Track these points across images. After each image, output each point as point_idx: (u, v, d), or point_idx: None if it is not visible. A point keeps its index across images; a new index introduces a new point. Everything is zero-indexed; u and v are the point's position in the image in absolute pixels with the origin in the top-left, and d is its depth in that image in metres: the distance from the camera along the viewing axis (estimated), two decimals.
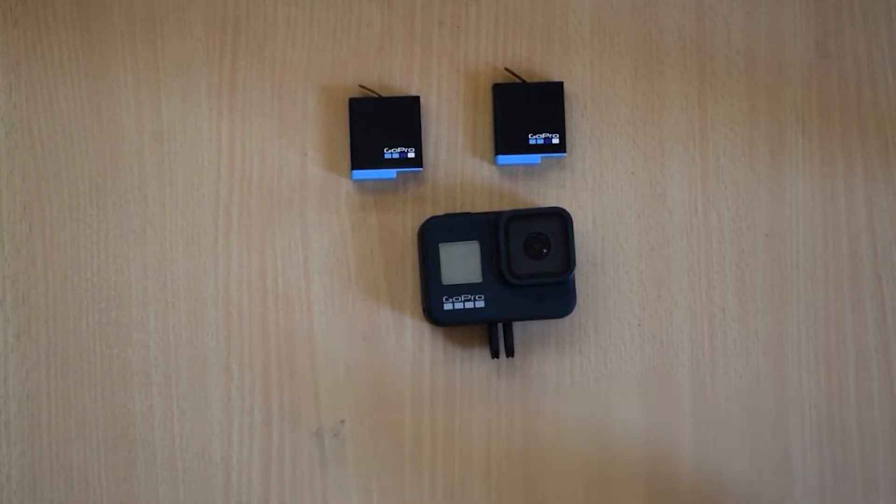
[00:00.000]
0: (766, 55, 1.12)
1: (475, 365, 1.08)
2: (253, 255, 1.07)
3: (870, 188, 1.11)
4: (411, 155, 1.06)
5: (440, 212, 1.08)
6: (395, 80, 1.09)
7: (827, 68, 1.12)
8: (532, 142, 1.07)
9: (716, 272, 1.10)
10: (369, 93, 1.07)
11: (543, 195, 1.09)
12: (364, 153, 1.06)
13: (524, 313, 1.05)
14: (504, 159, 1.08)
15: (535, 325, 1.08)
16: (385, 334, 1.07)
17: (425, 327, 1.07)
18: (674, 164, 1.10)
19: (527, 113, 1.08)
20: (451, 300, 1.04)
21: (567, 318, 1.07)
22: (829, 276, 1.11)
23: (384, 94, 1.07)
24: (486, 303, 1.04)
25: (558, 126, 1.08)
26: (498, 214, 1.05)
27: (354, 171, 1.06)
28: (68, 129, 1.06)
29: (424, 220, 1.06)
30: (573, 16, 1.10)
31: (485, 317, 1.05)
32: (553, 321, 1.08)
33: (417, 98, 1.07)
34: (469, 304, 1.04)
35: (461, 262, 1.05)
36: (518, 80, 1.09)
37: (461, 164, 1.09)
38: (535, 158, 1.08)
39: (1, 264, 1.05)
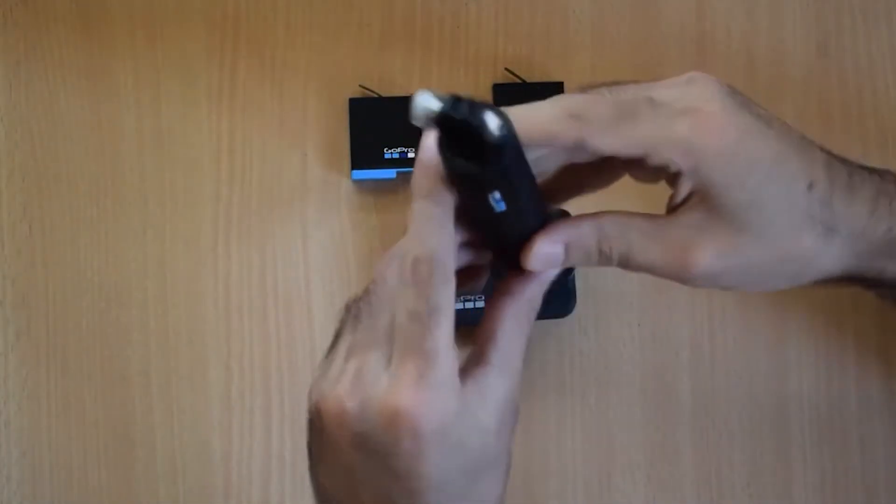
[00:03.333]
0: (766, 55, 1.11)
1: None
2: (253, 255, 1.07)
3: None
4: (411, 155, 1.06)
5: None
6: (395, 80, 1.08)
7: (827, 69, 1.12)
8: None
9: None
10: (369, 93, 1.07)
11: None
12: (364, 153, 1.06)
13: None
14: None
15: (535, 325, 1.07)
16: None
17: None
18: None
19: None
20: None
21: (567, 318, 1.07)
22: None
23: (384, 94, 1.07)
24: (486, 303, 1.04)
25: None
26: None
27: (354, 171, 1.06)
28: (68, 129, 1.06)
29: None
30: (573, 16, 1.10)
31: None
32: (553, 321, 1.07)
33: None
34: (469, 304, 1.04)
35: None
36: (518, 80, 1.08)
37: None
38: None
39: (1, 264, 1.05)
